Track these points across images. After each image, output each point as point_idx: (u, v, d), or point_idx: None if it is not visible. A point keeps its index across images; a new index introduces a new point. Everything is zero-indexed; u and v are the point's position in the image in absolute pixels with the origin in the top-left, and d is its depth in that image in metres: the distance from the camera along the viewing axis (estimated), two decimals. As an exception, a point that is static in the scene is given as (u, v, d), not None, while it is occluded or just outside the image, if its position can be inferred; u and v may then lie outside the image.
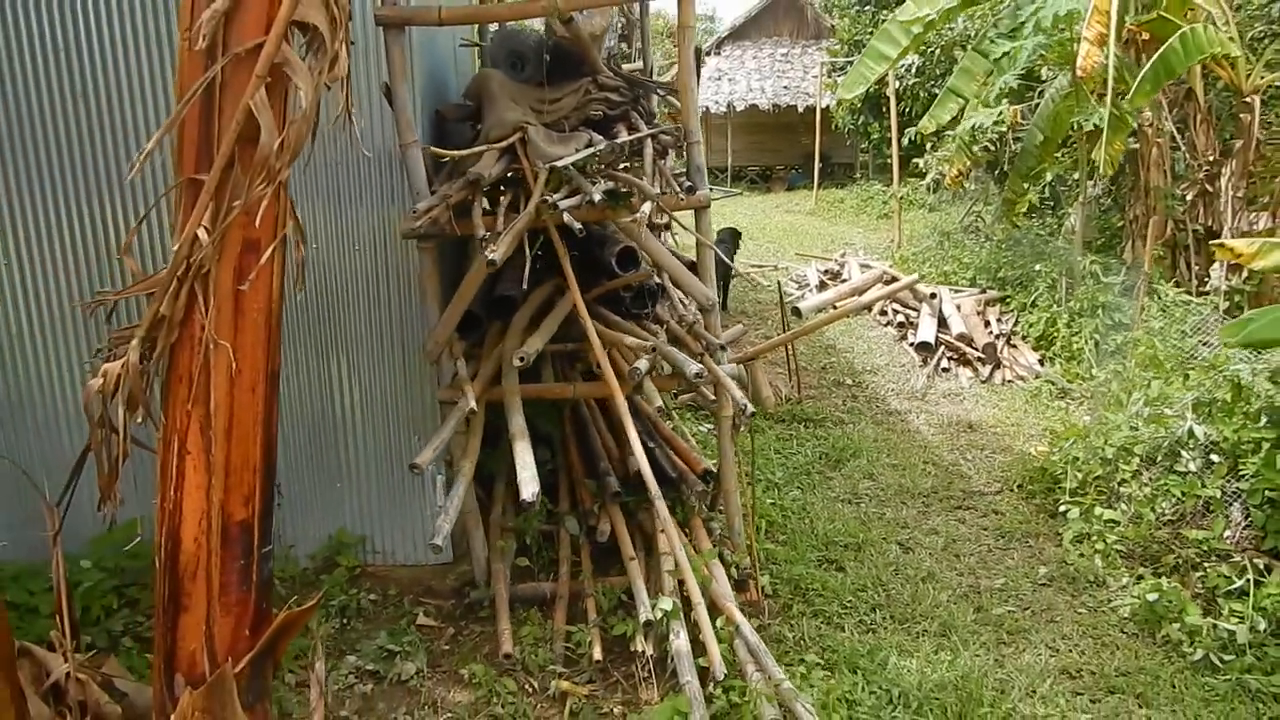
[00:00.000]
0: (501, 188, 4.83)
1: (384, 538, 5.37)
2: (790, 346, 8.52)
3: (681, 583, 4.48)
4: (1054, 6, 8.89)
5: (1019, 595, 5.25)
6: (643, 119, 5.23)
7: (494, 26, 7.13)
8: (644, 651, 4.30)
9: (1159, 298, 8.10)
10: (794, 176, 25.47)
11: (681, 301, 5.40)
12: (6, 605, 3.91)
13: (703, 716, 3.78)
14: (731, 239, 11.59)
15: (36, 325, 5.03)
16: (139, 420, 3.19)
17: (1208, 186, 9.28)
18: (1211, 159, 9.30)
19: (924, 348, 9.82)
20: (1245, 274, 8.26)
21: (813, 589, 5.17)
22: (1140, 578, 5.20)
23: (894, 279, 11.83)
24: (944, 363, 9.59)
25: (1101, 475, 6.05)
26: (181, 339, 3.09)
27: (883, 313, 11.34)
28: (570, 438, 5.85)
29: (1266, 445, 5.11)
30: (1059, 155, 11.25)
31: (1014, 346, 9.68)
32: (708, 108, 23.90)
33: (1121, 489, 5.82)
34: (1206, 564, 5.10)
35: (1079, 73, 8.31)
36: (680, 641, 4.12)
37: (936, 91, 13.82)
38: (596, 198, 4.21)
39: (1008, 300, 10.75)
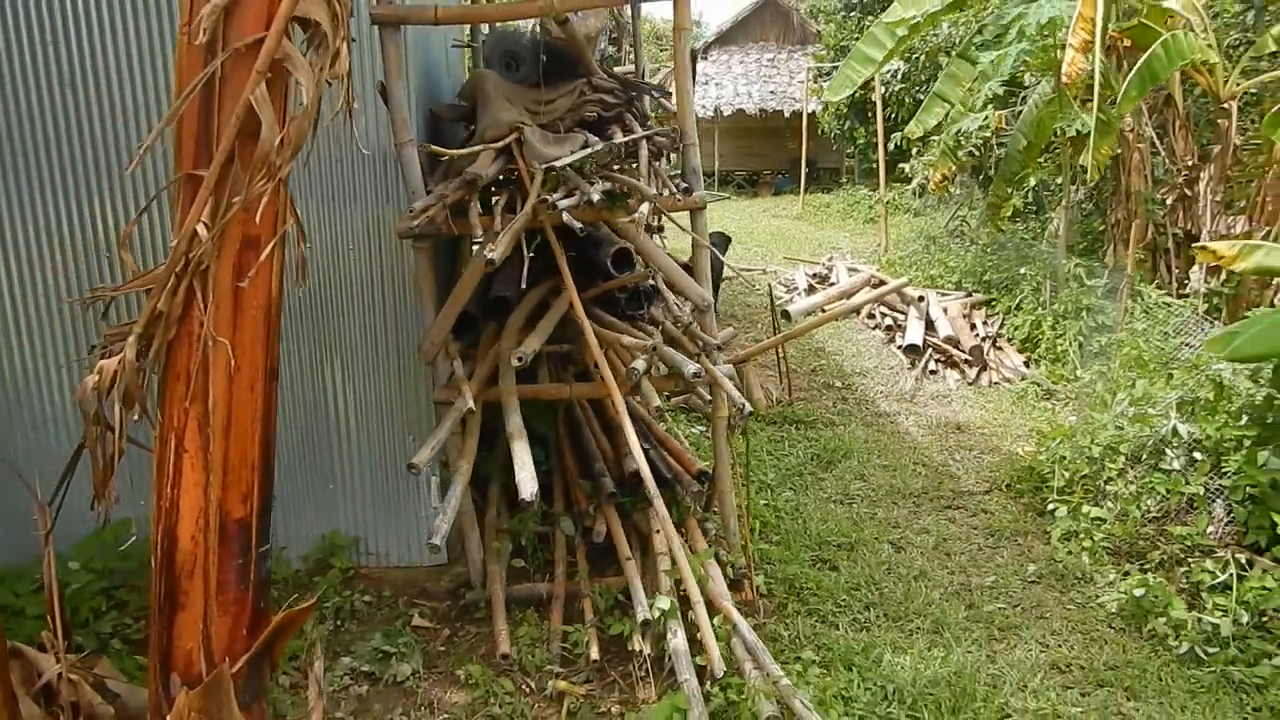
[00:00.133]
0: (494, 189, 4.85)
1: (378, 539, 5.36)
2: (780, 349, 8.56)
3: (678, 582, 4.50)
4: (1036, 14, 9.00)
5: (1009, 592, 5.30)
6: (637, 121, 5.26)
7: (487, 27, 7.16)
8: (641, 650, 4.32)
9: (1142, 300, 8.18)
10: (780, 181, 25.57)
11: (676, 303, 5.42)
12: (-4, 607, 3.91)
13: (701, 714, 3.79)
14: (721, 243, 11.62)
15: (24, 323, 4.99)
16: (135, 418, 3.18)
17: (1187, 191, 9.40)
18: (1190, 164, 9.43)
19: (912, 350, 9.89)
20: (1224, 277, 8.37)
21: (807, 588, 5.20)
22: (1127, 574, 5.26)
23: (881, 282, 11.92)
24: (932, 365, 9.66)
25: (1088, 474, 6.12)
26: (179, 336, 3.08)
27: (871, 316, 11.40)
28: (564, 439, 5.86)
29: (1248, 443, 5.19)
30: (1042, 160, 11.36)
31: (1000, 349, 9.76)
32: (694, 112, 23.92)
33: (1108, 487, 5.89)
34: (1191, 559, 5.16)
35: (1064, 79, 8.41)
36: (678, 640, 4.13)
37: (921, 97, 13.92)
38: (595, 198, 4.23)
39: (993, 303, 10.84)
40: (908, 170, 14.92)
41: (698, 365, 4.56)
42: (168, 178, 4.77)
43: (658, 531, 4.93)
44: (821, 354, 10.31)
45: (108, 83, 4.78)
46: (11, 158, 4.81)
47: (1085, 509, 5.82)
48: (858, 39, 11.78)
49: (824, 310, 10.72)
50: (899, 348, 10.22)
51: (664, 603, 4.28)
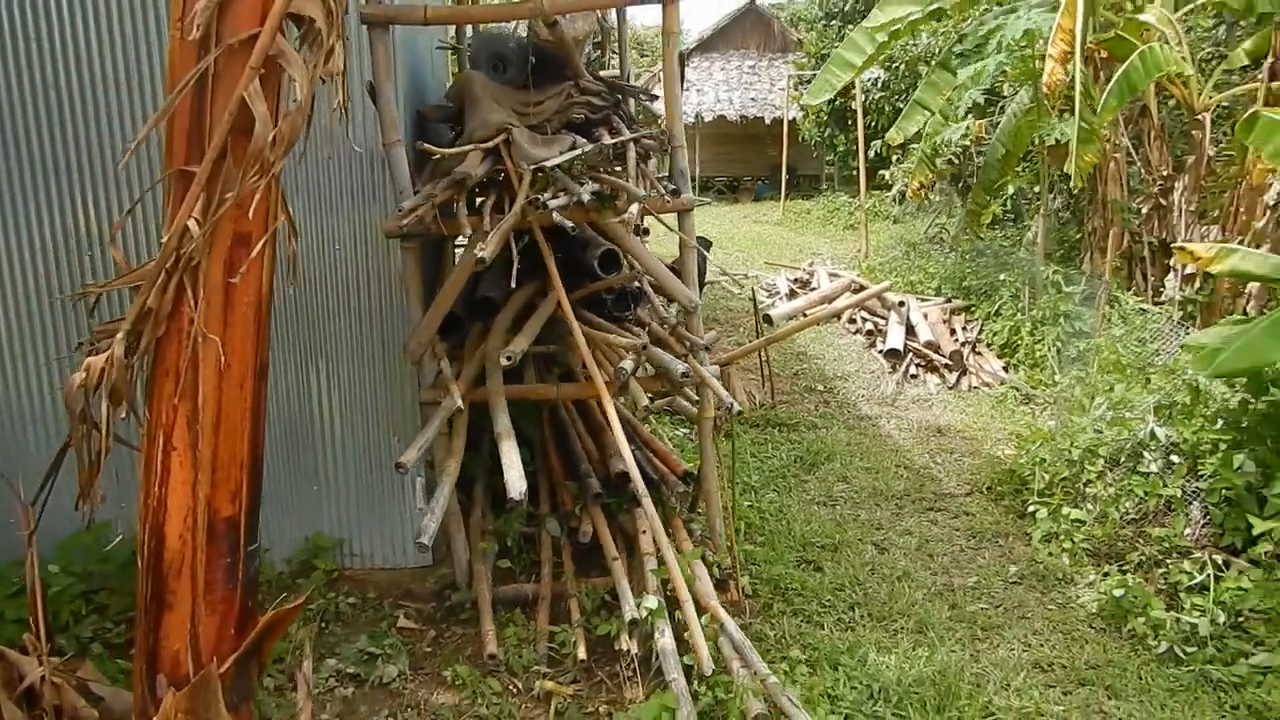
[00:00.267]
0: (478, 190, 4.85)
1: (362, 541, 5.33)
2: (764, 353, 8.60)
3: (665, 582, 4.51)
4: (1014, 27, 9.13)
5: (991, 593, 5.35)
6: (624, 123, 5.28)
7: (471, 29, 7.16)
8: (629, 650, 4.32)
9: (1119, 306, 8.29)
10: (761, 187, 25.69)
11: (662, 305, 5.44)
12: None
13: (690, 713, 3.80)
14: (702, 248, 11.65)
15: (2, 323, 4.94)
16: (123, 415, 3.15)
17: (1162, 200, 9.54)
18: (1165, 174, 9.58)
19: (893, 355, 9.96)
20: (1198, 284, 8.50)
21: (792, 588, 5.23)
22: (1106, 574, 5.33)
23: (862, 288, 11.99)
24: (912, 369, 9.73)
25: (1068, 476, 6.19)
26: (169, 332, 3.06)
27: (852, 320, 11.48)
28: (550, 440, 5.87)
29: (1223, 446, 5.27)
30: (1020, 169, 11.51)
31: (979, 354, 9.85)
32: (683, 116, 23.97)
33: (1087, 489, 5.96)
34: (1169, 560, 5.24)
35: (1044, 88, 8.53)
36: (665, 639, 4.14)
37: (901, 106, 14.06)
38: (586, 198, 4.25)
39: (973, 309, 10.94)
40: (888, 177, 15.04)
41: (686, 365, 4.58)
42: (151, 176, 4.77)
43: (644, 532, 4.94)
44: (803, 358, 10.36)
45: (90, 82, 4.74)
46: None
47: (1065, 511, 5.89)
48: (838, 47, 11.87)
49: (805, 315, 10.78)
50: (880, 352, 10.29)
51: (651, 602, 4.30)
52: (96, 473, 3.25)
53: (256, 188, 2.96)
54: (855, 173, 17.83)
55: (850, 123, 19.04)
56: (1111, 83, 7.97)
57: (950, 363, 9.61)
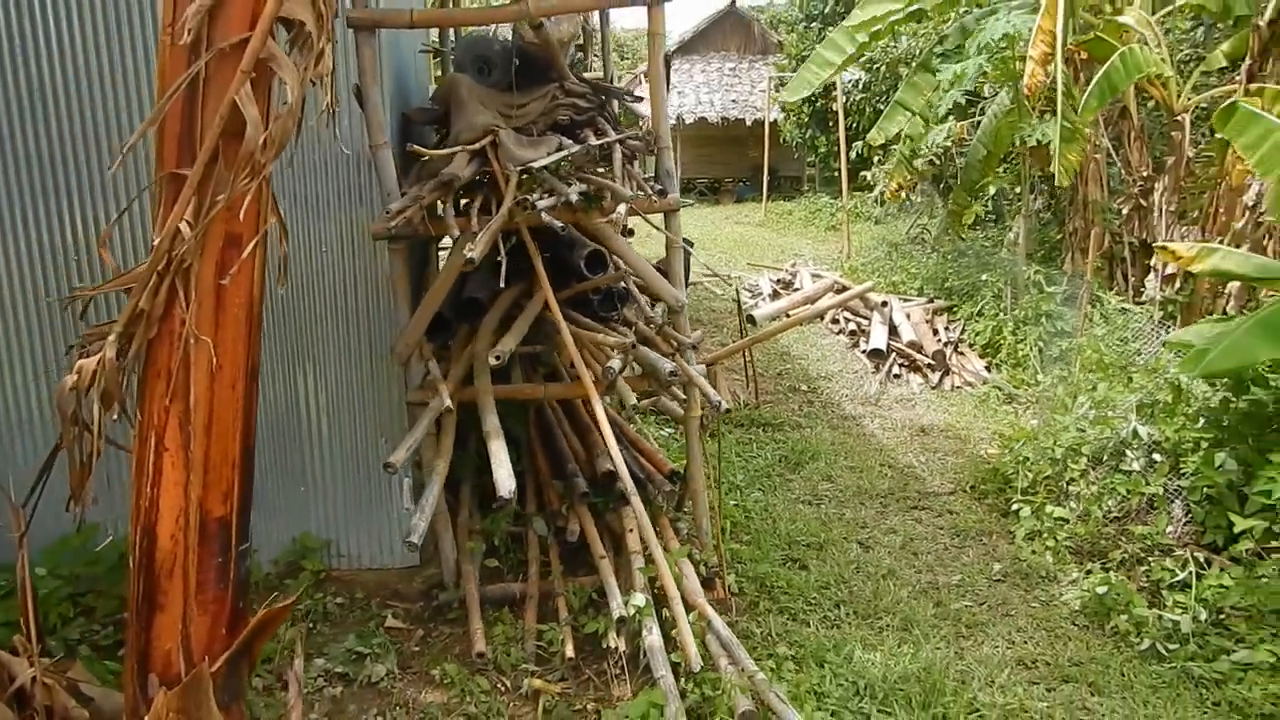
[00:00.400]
0: (461, 191, 4.86)
1: (349, 541, 5.34)
2: (748, 353, 8.65)
3: (652, 580, 4.54)
4: (993, 30, 9.22)
5: (975, 591, 5.40)
6: (609, 125, 5.30)
7: (454, 33, 7.18)
8: (616, 648, 4.35)
9: (1101, 306, 8.38)
10: (742, 189, 25.78)
11: (647, 305, 5.47)
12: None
13: (678, 709, 3.83)
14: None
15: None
16: (114, 417, 3.16)
17: (1142, 201, 9.64)
18: (1145, 174, 9.68)
19: (876, 354, 10.02)
20: (1179, 284, 8.60)
21: (778, 586, 5.26)
22: (1089, 572, 5.38)
23: (844, 288, 12.06)
24: (895, 369, 9.80)
25: (1051, 475, 6.25)
26: (161, 334, 3.08)
27: (835, 321, 11.54)
28: (536, 440, 5.88)
29: (1205, 445, 5.33)
30: (1001, 170, 11.60)
31: (962, 354, 9.93)
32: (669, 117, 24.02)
33: (1070, 488, 6.02)
34: (1151, 558, 5.30)
35: (1025, 90, 8.61)
36: (653, 637, 4.17)
37: (882, 107, 14.15)
38: (574, 198, 4.27)
39: (955, 309, 11.02)
40: (869, 178, 15.12)
41: (674, 365, 4.61)
42: (138, 179, 4.76)
43: (631, 531, 4.97)
44: (787, 358, 10.42)
45: (77, 83, 4.73)
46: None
47: (1048, 509, 5.95)
48: (818, 47, 11.95)
49: (789, 315, 10.83)
50: (863, 352, 10.36)
51: (639, 599, 4.32)
52: (88, 474, 3.25)
53: (248, 190, 2.98)
54: (837, 174, 17.91)
55: (831, 124, 19.14)
56: (1092, 84, 8.06)
57: (933, 362, 9.68)
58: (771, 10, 30.03)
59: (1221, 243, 7.63)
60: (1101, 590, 5.04)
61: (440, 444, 4.63)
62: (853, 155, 16.00)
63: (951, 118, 11.44)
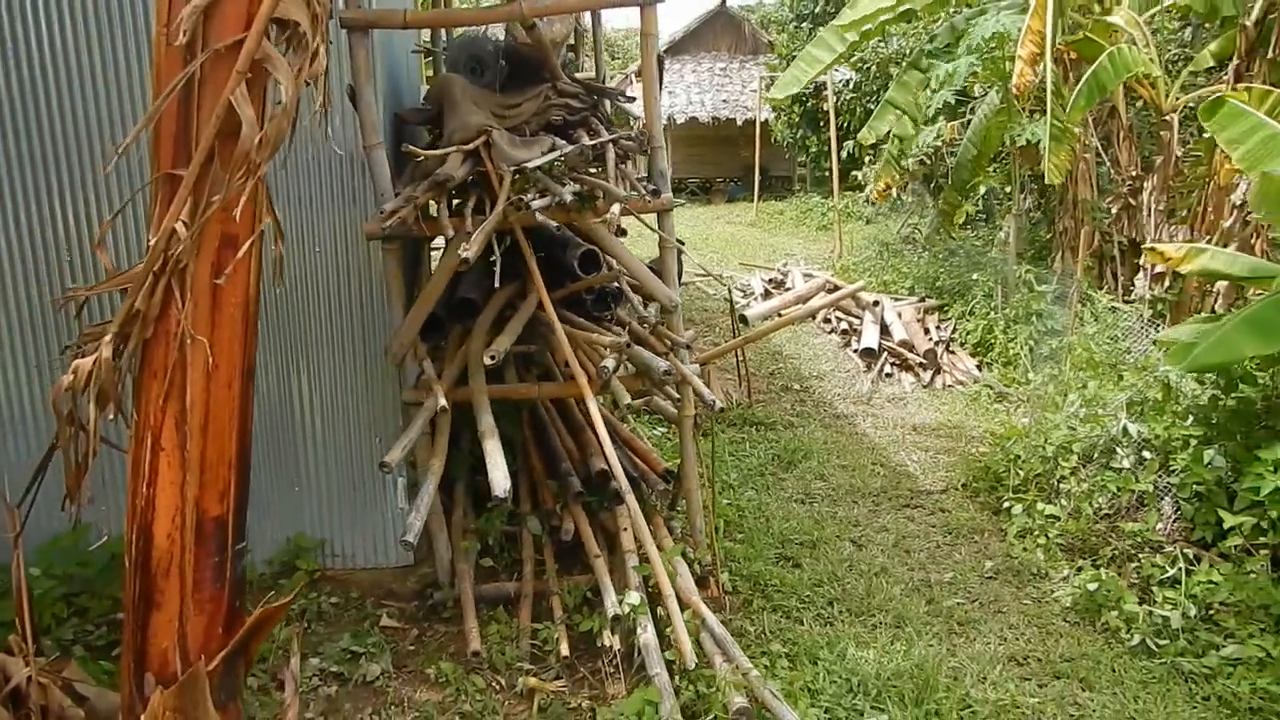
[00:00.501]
0: (455, 191, 4.87)
1: (344, 541, 5.35)
2: (740, 352, 8.68)
3: (646, 578, 4.56)
4: (983, 29, 9.27)
5: (968, 588, 5.43)
6: (602, 125, 5.32)
7: (445, 33, 7.19)
8: (611, 646, 4.36)
9: (1091, 304, 8.43)
10: (734, 188, 25.79)
11: (640, 304, 5.49)
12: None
13: (673, 707, 3.86)
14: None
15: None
16: (111, 417, 3.16)
17: (1131, 200, 9.70)
18: (1134, 174, 9.74)
19: (868, 354, 10.06)
20: (1167, 283, 8.66)
21: (771, 585, 5.29)
22: (1080, 569, 5.42)
23: (836, 288, 12.09)
24: (887, 368, 9.83)
25: (1042, 473, 6.30)
26: (157, 334, 3.08)
27: (827, 320, 11.57)
28: (530, 440, 5.90)
29: (1194, 442, 5.36)
30: (991, 169, 11.66)
31: (953, 353, 9.98)
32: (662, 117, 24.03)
33: (1061, 485, 6.06)
34: (1141, 555, 5.34)
35: (1014, 89, 8.65)
36: (648, 635, 4.19)
37: (873, 107, 14.18)
38: (568, 199, 4.29)
39: (946, 308, 11.07)
40: (860, 178, 15.16)
41: (668, 364, 4.64)
42: (131, 178, 4.76)
43: (625, 529, 4.99)
44: (779, 357, 10.45)
45: (68, 87, 4.73)
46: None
47: (1040, 507, 5.99)
48: (808, 45, 11.98)
49: (781, 315, 10.86)
50: (855, 351, 10.39)
51: (634, 598, 4.35)
52: (84, 474, 3.26)
53: (243, 190, 2.98)
54: (828, 174, 17.96)
55: (822, 124, 19.19)
56: (1080, 83, 8.11)
57: (924, 361, 9.72)
58: (762, 10, 30.07)
59: (1209, 242, 7.69)
60: (1092, 587, 5.08)
61: (435, 443, 4.64)
62: (844, 155, 16.06)
63: (942, 118, 11.50)
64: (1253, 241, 7.57)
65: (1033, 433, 6.65)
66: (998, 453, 6.84)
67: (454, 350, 5.10)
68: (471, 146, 4.62)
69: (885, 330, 10.41)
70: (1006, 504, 6.26)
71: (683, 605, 4.33)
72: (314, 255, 5.06)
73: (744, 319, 10.42)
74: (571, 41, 8.66)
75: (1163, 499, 5.49)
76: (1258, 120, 5.80)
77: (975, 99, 11.77)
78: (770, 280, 13.57)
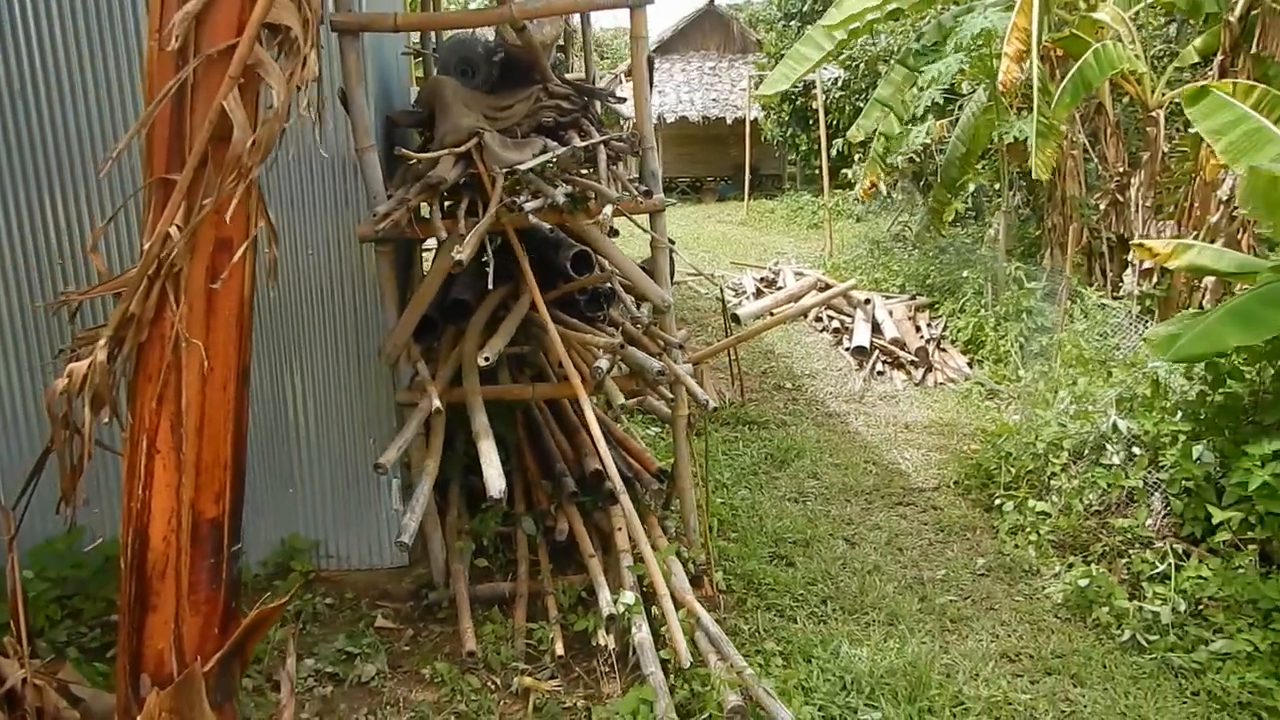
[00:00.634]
0: (445, 193, 4.88)
1: (338, 542, 5.35)
2: (732, 352, 8.70)
3: (641, 578, 4.58)
4: (970, 26, 9.31)
5: (960, 585, 5.46)
6: (593, 126, 5.33)
7: (438, 33, 7.19)
8: (606, 646, 4.38)
9: (1081, 301, 8.48)
10: (724, 187, 25.85)
11: (633, 304, 5.51)
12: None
13: (668, 705, 3.88)
14: (668, 247, 11.71)
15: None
16: (106, 420, 3.17)
17: (1119, 196, 9.76)
18: (1121, 170, 9.79)
19: (859, 352, 10.09)
20: (1156, 280, 8.71)
21: (765, 583, 5.31)
22: (1071, 565, 5.45)
23: (827, 286, 12.13)
24: (879, 366, 9.86)
25: (1033, 470, 6.34)
26: (152, 338, 3.09)
27: (818, 319, 11.60)
28: (524, 441, 5.91)
29: (1183, 438, 5.40)
30: (980, 167, 11.71)
31: (944, 350, 10.01)
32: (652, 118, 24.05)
33: (1052, 482, 6.10)
34: (1131, 551, 5.38)
35: (1000, 86, 8.70)
36: (643, 634, 4.21)
37: (862, 105, 14.23)
38: (560, 200, 4.31)
39: (937, 306, 11.12)
40: (850, 176, 15.21)
41: (661, 364, 4.66)
42: (123, 182, 4.76)
43: (619, 529, 5.00)
44: (771, 356, 10.48)
45: (59, 91, 4.72)
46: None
47: (1031, 504, 6.03)
48: (797, 44, 12.02)
49: (773, 314, 10.89)
50: (847, 350, 10.43)
51: (629, 597, 4.36)
52: (78, 477, 3.27)
53: (236, 194, 2.99)
54: (818, 172, 18.00)
55: (812, 122, 19.23)
56: (1065, 80, 8.15)
57: (916, 359, 9.76)
58: (750, 9, 30.12)
59: (1197, 237, 7.74)
60: (1083, 583, 5.11)
61: (429, 444, 4.66)
62: (833, 153, 16.12)
63: (931, 116, 11.55)
64: (1239, 237, 7.64)
65: (1023, 430, 6.69)
66: (989, 450, 6.88)
67: (447, 351, 5.11)
68: (463, 149, 4.63)
69: (877, 328, 10.44)
70: (998, 501, 6.29)
71: (677, 604, 4.35)
72: (307, 258, 5.07)
73: (736, 318, 10.45)
74: (561, 42, 8.67)
75: (1152, 495, 5.52)
76: (1241, 113, 5.84)
77: (963, 96, 11.82)
78: (762, 279, 13.59)
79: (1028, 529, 5.91)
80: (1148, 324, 7.51)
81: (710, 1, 28.23)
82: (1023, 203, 12.73)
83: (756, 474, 7.06)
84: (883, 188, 13.93)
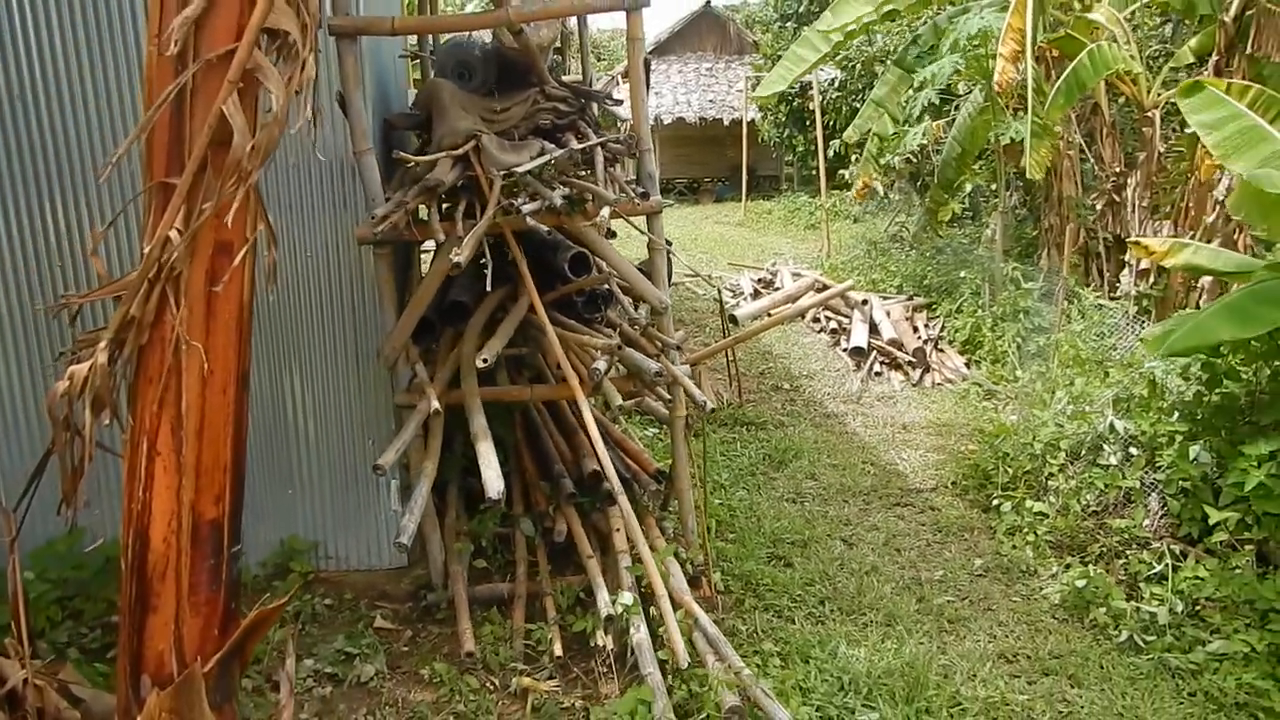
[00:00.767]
0: (443, 196, 4.90)
1: (337, 543, 5.36)
2: (730, 352, 8.72)
3: (639, 579, 4.60)
4: (965, 27, 9.33)
5: (957, 586, 5.48)
6: (590, 128, 5.35)
7: (435, 36, 7.21)
8: (604, 646, 4.39)
9: (1078, 301, 8.50)
10: (721, 188, 25.88)
11: (630, 306, 5.52)
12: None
13: (666, 706, 3.89)
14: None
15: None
16: (106, 422, 3.19)
17: (1115, 197, 9.77)
18: (1118, 170, 9.82)
19: (857, 353, 10.11)
20: (1152, 280, 8.74)
21: (763, 584, 5.33)
22: (1069, 566, 5.47)
23: (825, 287, 12.14)
24: (876, 367, 9.88)
25: (1030, 470, 6.35)
26: (152, 340, 3.10)
27: (816, 319, 11.62)
28: (522, 442, 5.93)
29: (1179, 438, 5.41)
30: (977, 167, 11.73)
31: (942, 350, 10.03)
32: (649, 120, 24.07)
33: (1049, 483, 6.11)
34: (1128, 551, 5.39)
35: (996, 87, 8.72)
36: (641, 634, 4.22)
37: (858, 105, 14.25)
38: (558, 202, 4.33)
39: (934, 306, 11.13)
40: (847, 177, 15.24)
41: (659, 365, 4.67)
42: (122, 186, 4.77)
43: (617, 530, 5.02)
44: (769, 357, 10.49)
45: (59, 97, 4.73)
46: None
47: (1028, 504, 6.04)
48: (793, 45, 12.04)
49: (770, 314, 10.91)
50: (844, 350, 10.44)
51: (627, 598, 4.38)
52: (79, 479, 3.28)
53: (235, 197, 3.01)
54: (815, 173, 18.01)
55: (808, 123, 19.26)
56: (1060, 80, 8.17)
57: (913, 360, 9.78)
58: (747, 10, 30.17)
59: (1193, 237, 7.76)
60: (1080, 584, 5.12)
61: (428, 446, 4.67)
62: (830, 154, 16.13)
63: (927, 117, 11.57)
64: (1235, 237, 7.65)
65: (1021, 430, 6.70)
66: (986, 450, 6.89)
67: (446, 353, 5.12)
68: (461, 151, 4.65)
69: (874, 329, 10.46)
70: (995, 501, 6.31)
71: (675, 605, 4.37)
72: (306, 260, 5.08)
73: (733, 319, 10.47)
74: (558, 45, 8.69)
75: (1149, 495, 5.54)
76: (1235, 110, 5.84)
77: (960, 97, 11.84)
78: (759, 280, 13.61)
79: (1025, 529, 5.92)
80: (1144, 324, 7.53)
81: (707, 3, 28.25)
82: (1019, 203, 12.75)
83: (754, 475, 7.08)
84: (878, 188, 13.96)
